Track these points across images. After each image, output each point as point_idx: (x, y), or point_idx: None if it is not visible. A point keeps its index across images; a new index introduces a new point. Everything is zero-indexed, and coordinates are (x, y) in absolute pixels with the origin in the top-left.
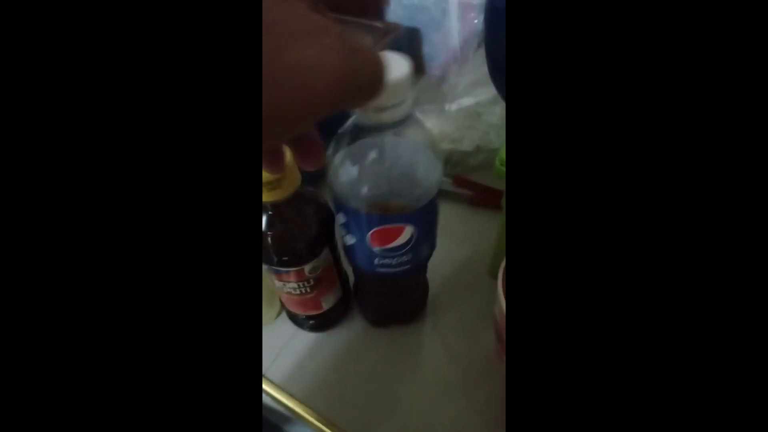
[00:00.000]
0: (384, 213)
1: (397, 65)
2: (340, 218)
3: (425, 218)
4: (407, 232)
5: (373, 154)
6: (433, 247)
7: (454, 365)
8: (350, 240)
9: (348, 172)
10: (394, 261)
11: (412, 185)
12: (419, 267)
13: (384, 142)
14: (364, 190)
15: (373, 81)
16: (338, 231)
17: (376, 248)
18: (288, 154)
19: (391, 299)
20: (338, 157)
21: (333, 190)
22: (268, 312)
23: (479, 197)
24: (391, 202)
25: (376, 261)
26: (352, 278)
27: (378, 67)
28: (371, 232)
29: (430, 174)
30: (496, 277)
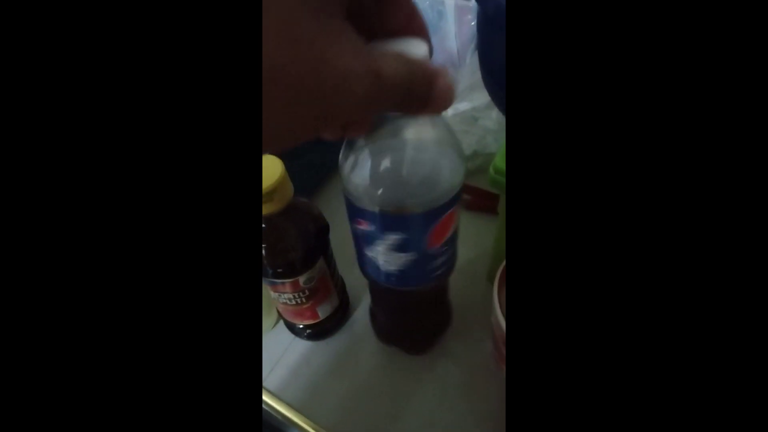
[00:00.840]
0: (444, 205)
1: (413, 49)
2: (387, 240)
3: (451, 212)
4: (455, 215)
5: (392, 158)
6: (454, 250)
7: (452, 370)
8: (403, 257)
9: (372, 179)
10: (445, 257)
11: (438, 178)
12: (456, 260)
13: (404, 141)
14: (398, 195)
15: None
16: (383, 256)
17: (434, 248)
18: (280, 167)
19: (410, 320)
20: (353, 164)
21: (363, 202)
22: (265, 321)
23: (477, 202)
24: (406, 204)
25: (432, 265)
26: (349, 288)
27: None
28: (432, 229)
29: (455, 168)
30: (493, 283)
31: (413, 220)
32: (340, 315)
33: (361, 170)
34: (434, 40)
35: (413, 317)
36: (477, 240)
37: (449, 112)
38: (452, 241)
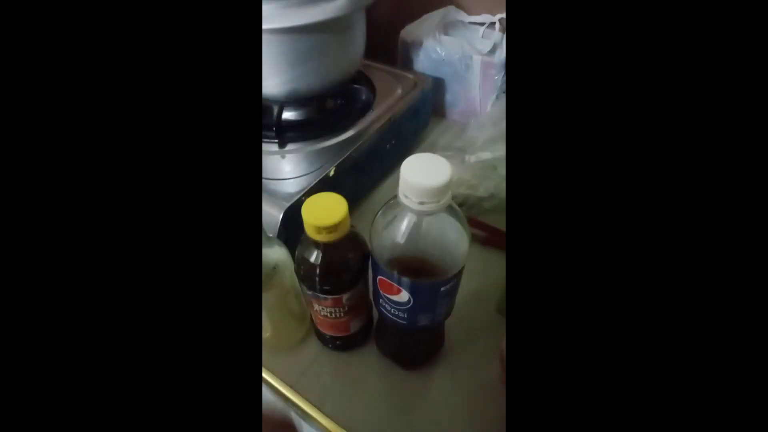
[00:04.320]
0: (388, 268)
1: (441, 170)
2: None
3: (424, 295)
4: (404, 295)
5: (408, 224)
6: (434, 321)
7: (457, 391)
8: (371, 276)
9: (386, 229)
10: (392, 310)
11: (435, 258)
12: (415, 329)
13: (421, 219)
14: (388, 243)
15: None
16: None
17: (381, 292)
18: (345, 205)
19: (399, 342)
20: (383, 218)
21: (371, 240)
22: (299, 330)
23: (491, 239)
24: (423, 264)
25: (380, 300)
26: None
27: None
28: (378, 276)
29: (448, 258)
30: (502, 313)
31: (373, 263)
32: (366, 331)
33: (385, 214)
34: (459, 88)
35: (408, 340)
36: (486, 272)
37: (472, 159)
38: (399, 308)
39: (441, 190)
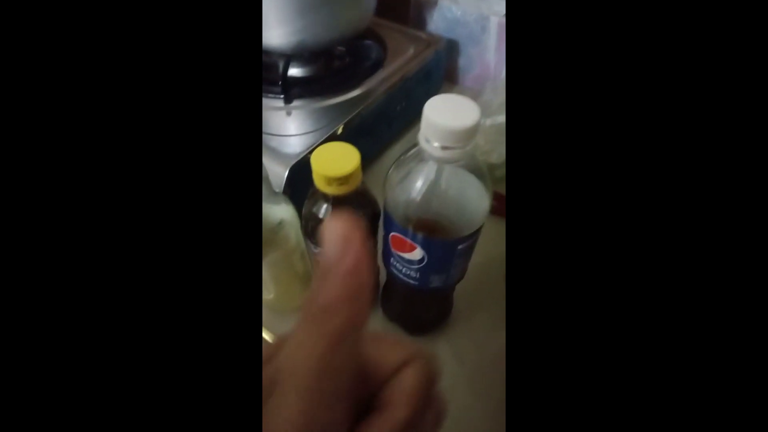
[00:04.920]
0: (403, 225)
1: (468, 111)
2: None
3: (439, 253)
4: (417, 253)
5: (426, 178)
6: (447, 283)
7: (463, 360)
8: (382, 234)
9: (401, 183)
10: (403, 269)
11: (452, 216)
12: (425, 291)
13: (441, 172)
14: (403, 198)
15: None
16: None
17: (393, 250)
18: (357, 156)
19: (406, 307)
20: (397, 171)
21: (385, 193)
22: (302, 295)
23: (502, 207)
24: (439, 222)
25: (391, 259)
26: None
27: None
28: (391, 233)
29: (466, 215)
30: None
31: (386, 214)
32: (372, 294)
33: (399, 168)
34: (474, 51)
35: (416, 304)
36: (495, 242)
37: (487, 123)
38: (412, 266)
39: (467, 133)
